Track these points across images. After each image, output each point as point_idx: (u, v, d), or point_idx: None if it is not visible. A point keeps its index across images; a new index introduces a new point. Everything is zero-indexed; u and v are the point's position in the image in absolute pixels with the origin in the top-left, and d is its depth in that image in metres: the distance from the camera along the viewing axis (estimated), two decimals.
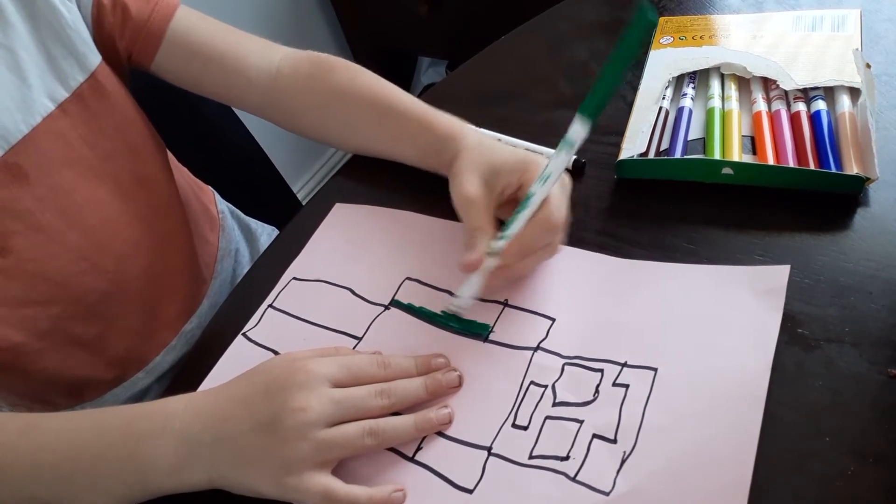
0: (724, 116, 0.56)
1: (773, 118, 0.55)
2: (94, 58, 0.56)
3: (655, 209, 0.53)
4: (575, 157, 0.56)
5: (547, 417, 0.43)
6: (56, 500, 0.44)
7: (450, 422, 0.44)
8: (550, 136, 0.61)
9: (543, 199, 0.46)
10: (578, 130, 0.44)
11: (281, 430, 0.41)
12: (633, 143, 0.55)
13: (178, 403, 0.44)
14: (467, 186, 0.49)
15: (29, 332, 0.54)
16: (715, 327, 0.44)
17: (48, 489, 0.44)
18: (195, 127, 0.83)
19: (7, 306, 0.52)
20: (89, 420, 0.45)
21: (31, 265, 0.53)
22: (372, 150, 0.62)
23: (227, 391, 0.45)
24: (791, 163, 0.51)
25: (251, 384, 0.44)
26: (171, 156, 0.70)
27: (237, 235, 0.79)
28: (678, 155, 0.54)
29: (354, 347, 0.50)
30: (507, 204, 0.50)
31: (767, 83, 0.58)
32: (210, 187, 0.78)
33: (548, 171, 0.46)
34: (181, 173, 0.72)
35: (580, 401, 0.43)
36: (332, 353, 0.47)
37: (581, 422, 0.42)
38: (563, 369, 0.45)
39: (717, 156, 0.53)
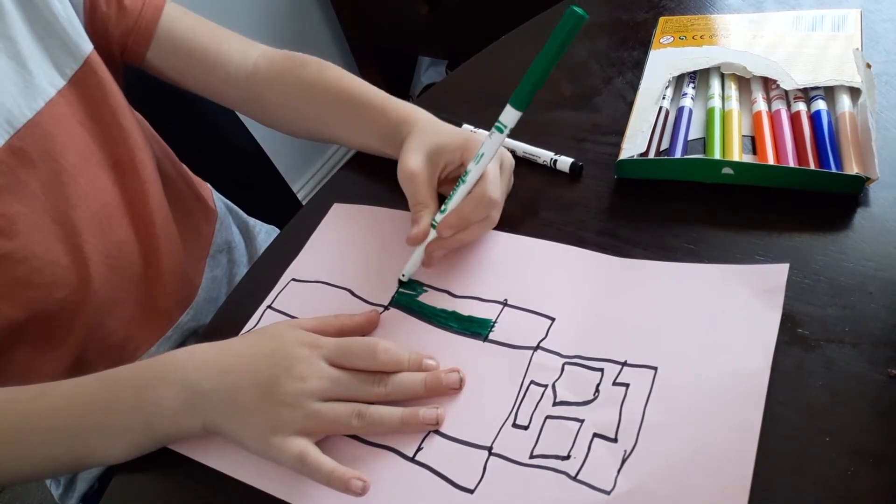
0: (725, 116, 0.56)
1: (774, 118, 0.55)
2: (86, 46, 0.57)
3: (655, 209, 0.53)
4: (573, 159, 0.57)
5: (547, 417, 0.43)
6: (73, 457, 0.47)
7: (437, 423, 0.44)
8: (550, 135, 0.61)
9: (480, 177, 0.50)
10: (509, 116, 0.47)
11: (278, 394, 0.44)
12: (633, 143, 0.55)
13: (181, 354, 0.47)
14: (410, 162, 0.51)
15: (32, 312, 0.54)
16: (714, 326, 0.44)
17: (66, 448, 0.46)
18: (196, 127, 0.83)
19: (12, 287, 0.53)
20: (97, 379, 0.47)
21: (37, 248, 0.53)
22: (340, 141, 0.65)
23: (232, 346, 0.48)
24: (791, 163, 0.51)
25: (258, 345, 0.47)
26: (166, 147, 0.71)
27: (234, 232, 0.79)
28: (678, 155, 0.54)
29: None
30: (451, 182, 0.52)
31: (767, 83, 0.58)
32: (208, 184, 0.79)
33: (481, 150, 0.49)
34: (175, 165, 0.72)
35: (580, 400, 0.43)
36: (344, 322, 0.50)
37: (581, 421, 0.42)
38: (563, 369, 0.45)
39: (717, 156, 0.53)
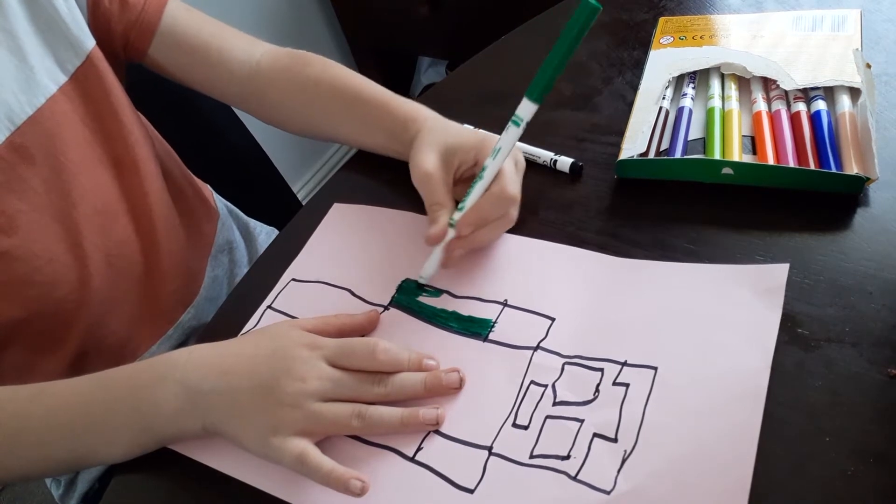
0: (724, 116, 0.56)
1: (773, 118, 0.55)
2: (89, 41, 0.57)
3: (655, 209, 0.53)
4: (573, 160, 0.57)
5: (547, 417, 0.43)
6: (73, 456, 0.47)
7: (437, 423, 0.44)
8: (550, 135, 0.61)
9: (497, 174, 0.50)
10: (525, 110, 0.47)
11: (278, 394, 0.44)
12: (633, 143, 0.55)
13: (180, 354, 0.47)
14: (425, 163, 0.51)
15: (31, 311, 0.54)
16: (714, 326, 0.44)
17: (64, 447, 0.46)
18: (196, 127, 0.83)
19: (11, 285, 0.52)
20: (95, 379, 0.47)
21: (37, 245, 0.53)
22: (343, 139, 0.64)
23: (231, 347, 0.47)
24: (791, 163, 0.51)
25: (258, 346, 0.47)
26: (168, 146, 0.71)
27: (235, 232, 0.79)
28: (678, 155, 0.54)
29: None
30: (465, 182, 0.52)
31: (767, 83, 0.58)
32: (208, 185, 0.79)
33: (498, 145, 0.49)
34: (178, 164, 0.72)
35: (580, 400, 0.43)
36: (344, 322, 0.49)
37: (581, 421, 0.42)
38: (563, 369, 0.45)
39: (717, 156, 0.53)
